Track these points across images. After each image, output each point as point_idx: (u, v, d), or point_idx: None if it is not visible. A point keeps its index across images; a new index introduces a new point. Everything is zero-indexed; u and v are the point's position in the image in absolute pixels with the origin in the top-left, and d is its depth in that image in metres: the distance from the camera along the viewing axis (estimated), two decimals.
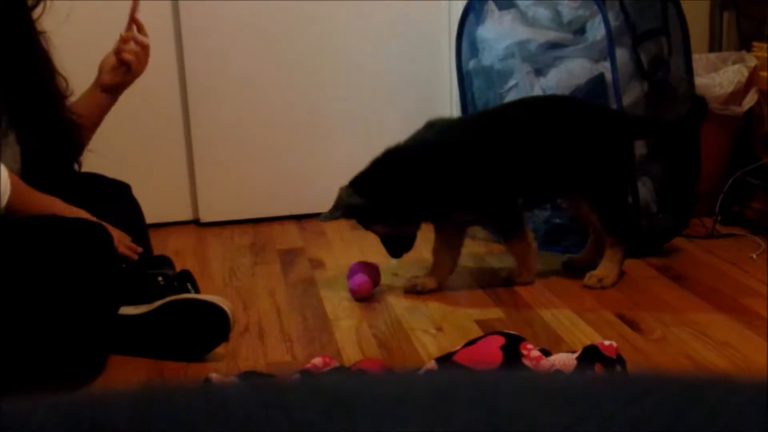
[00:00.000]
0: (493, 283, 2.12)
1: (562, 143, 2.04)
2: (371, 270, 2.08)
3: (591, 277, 2.06)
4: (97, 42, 2.44)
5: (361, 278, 2.05)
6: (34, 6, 1.75)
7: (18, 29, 1.71)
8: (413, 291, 2.06)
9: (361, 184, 2.02)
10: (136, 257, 1.81)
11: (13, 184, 1.60)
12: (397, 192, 2.01)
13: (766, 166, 2.45)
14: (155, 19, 1.99)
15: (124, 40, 1.96)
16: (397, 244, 2.09)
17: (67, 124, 1.83)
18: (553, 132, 2.04)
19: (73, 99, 1.90)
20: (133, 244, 1.85)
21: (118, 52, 1.95)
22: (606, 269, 2.07)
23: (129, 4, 1.96)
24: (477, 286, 2.10)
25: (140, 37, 1.96)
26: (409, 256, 2.19)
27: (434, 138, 2.05)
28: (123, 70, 1.95)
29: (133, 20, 1.97)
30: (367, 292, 2.04)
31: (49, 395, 0.29)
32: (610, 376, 0.49)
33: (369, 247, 2.45)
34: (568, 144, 2.04)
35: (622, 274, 2.09)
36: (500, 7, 2.42)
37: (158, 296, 1.76)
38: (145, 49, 1.96)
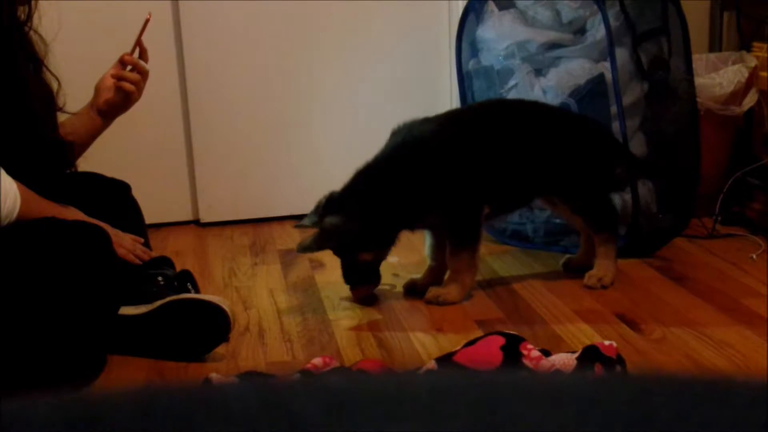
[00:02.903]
0: (492, 283, 2.12)
1: (532, 146, 2.02)
2: None
3: (590, 278, 2.06)
4: (97, 42, 2.45)
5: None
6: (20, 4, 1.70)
7: None
8: (435, 302, 2.00)
9: (348, 207, 1.94)
10: (140, 263, 1.81)
11: (21, 194, 1.59)
12: (384, 208, 1.95)
13: (766, 166, 2.45)
14: (155, 18, 1.98)
15: (124, 63, 1.90)
16: (363, 274, 2.01)
17: (53, 141, 1.76)
18: (522, 135, 2.03)
19: (65, 112, 1.84)
20: (145, 248, 1.84)
21: (117, 77, 1.89)
22: (603, 267, 2.06)
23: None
24: (477, 286, 2.10)
25: (141, 64, 1.91)
26: (410, 258, 2.19)
27: (401, 142, 2.00)
28: (121, 95, 1.89)
29: (138, 43, 1.91)
30: (368, 291, 2.04)
31: (49, 395, 0.29)
32: (610, 376, 0.49)
33: None
34: (539, 146, 2.03)
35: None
36: (500, 7, 2.42)
37: (158, 296, 1.76)
38: (144, 76, 1.91)
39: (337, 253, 2.01)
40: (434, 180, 1.96)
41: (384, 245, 2.01)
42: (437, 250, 2.09)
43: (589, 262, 2.11)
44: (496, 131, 2.04)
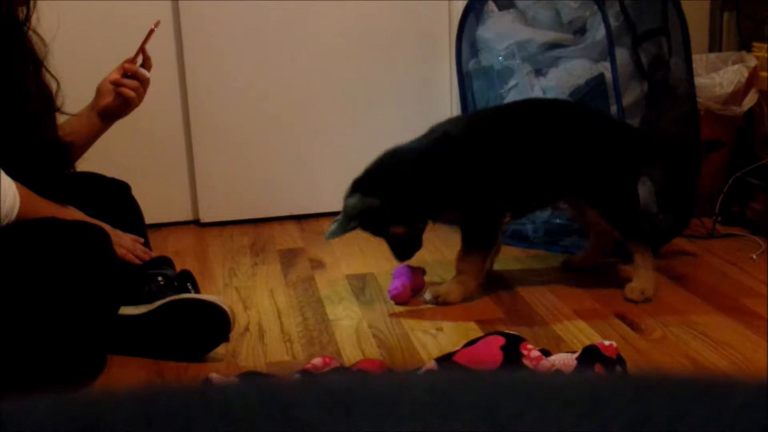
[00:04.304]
0: (492, 283, 2.12)
1: (563, 149, 1.99)
2: (414, 274, 2.04)
3: (632, 290, 1.97)
4: (96, 43, 2.45)
5: (399, 283, 2.01)
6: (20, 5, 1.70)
7: None
8: (435, 302, 1.99)
9: (368, 187, 1.94)
10: (140, 263, 1.81)
11: (20, 194, 1.59)
12: (408, 186, 1.95)
13: (766, 166, 2.45)
14: (155, 19, 1.98)
15: (125, 70, 1.90)
16: (408, 245, 2.02)
17: (51, 143, 1.76)
18: (554, 137, 2.00)
19: (65, 113, 1.83)
20: (145, 248, 1.85)
21: (115, 84, 1.88)
22: (643, 278, 1.98)
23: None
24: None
25: (142, 72, 1.90)
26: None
27: (436, 133, 2.01)
28: (120, 100, 1.89)
29: (141, 50, 1.91)
30: (405, 299, 2.01)
31: (49, 395, 0.29)
32: (610, 376, 0.49)
33: (369, 247, 2.45)
34: (569, 150, 1.99)
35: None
36: (500, 7, 2.42)
37: (158, 296, 1.76)
38: (145, 83, 1.91)
39: (368, 231, 2.00)
40: (455, 178, 1.96)
41: (413, 218, 1.98)
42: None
43: (592, 262, 2.10)
44: (524, 133, 2.00)
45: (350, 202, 1.93)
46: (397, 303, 2.00)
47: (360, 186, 1.95)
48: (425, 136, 2.03)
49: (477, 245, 2.00)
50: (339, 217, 1.94)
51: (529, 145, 1.99)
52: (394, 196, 1.93)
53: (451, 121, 2.10)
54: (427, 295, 2.00)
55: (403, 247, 2.02)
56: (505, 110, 2.16)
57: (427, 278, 2.09)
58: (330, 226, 1.95)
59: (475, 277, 2.00)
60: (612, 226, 2.00)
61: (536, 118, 2.04)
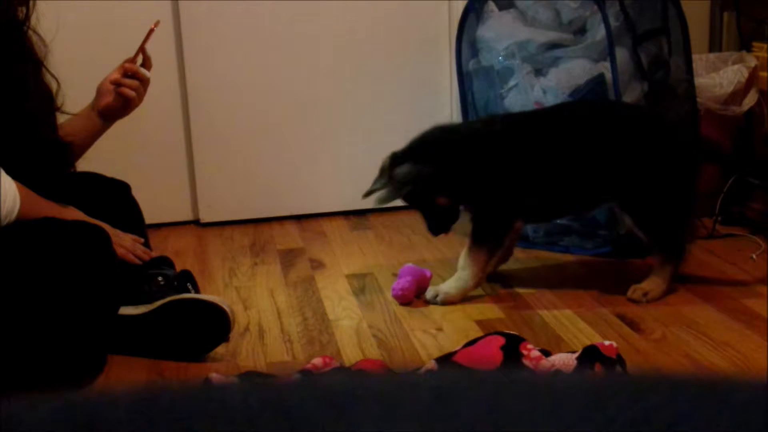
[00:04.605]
0: (492, 283, 2.12)
1: (609, 154, 1.94)
2: (420, 275, 2.04)
3: (635, 290, 1.96)
4: (96, 43, 2.45)
5: (404, 282, 2.00)
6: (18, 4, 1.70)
7: None
8: (433, 301, 1.99)
9: (418, 156, 1.97)
10: (140, 263, 1.81)
11: (20, 194, 1.59)
12: (457, 158, 1.97)
13: (766, 166, 2.45)
14: (155, 19, 1.98)
15: (125, 70, 1.89)
16: (446, 219, 2.04)
17: (51, 142, 1.76)
18: (601, 141, 1.95)
19: (65, 113, 1.83)
20: (145, 248, 1.85)
21: (115, 83, 1.88)
22: (652, 282, 1.96)
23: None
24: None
25: (143, 72, 1.90)
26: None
27: (486, 119, 2.07)
28: (120, 100, 1.89)
29: (141, 50, 1.91)
30: (409, 299, 2.00)
31: (49, 395, 0.29)
32: (610, 376, 0.49)
33: (369, 247, 2.45)
34: (615, 156, 1.93)
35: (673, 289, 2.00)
36: (500, 7, 2.42)
37: (158, 296, 1.76)
38: (145, 83, 1.90)
39: (413, 201, 2.04)
40: (488, 166, 1.97)
41: (458, 191, 2.00)
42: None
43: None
44: (568, 136, 1.97)
45: (403, 170, 1.96)
46: (400, 303, 2.00)
47: (409, 155, 1.98)
48: (476, 120, 2.10)
49: (484, 243, 2.00)
50: (381, 183, 1.98)
51: (573, 149, 1.96)
52: (443, 166, 1.98)
53: (510, 114, 2.14)
54: (428, 294, 2.00)
55: (441, 221, 2.05)
56: (556, 111, 2.13)
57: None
58: (375, 192, 1.98)
59: (475, 275, 2.00)
60: (645, 234, 1.97)
61: (585, 120, 2.00)
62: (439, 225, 2.05)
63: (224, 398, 0.29)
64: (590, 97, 2.24)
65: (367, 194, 2.01)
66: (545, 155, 1.97)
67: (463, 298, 2.00)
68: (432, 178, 1.97)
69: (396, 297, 2.00)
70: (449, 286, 2.00)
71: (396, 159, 1.99)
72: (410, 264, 2.07)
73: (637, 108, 2.17)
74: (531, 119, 2.07)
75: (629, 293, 1.97)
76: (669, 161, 1.96)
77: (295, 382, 0.30)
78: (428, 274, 2.05)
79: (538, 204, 2.01)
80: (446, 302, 1.98)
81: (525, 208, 2.02)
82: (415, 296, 2.01)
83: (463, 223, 2.06)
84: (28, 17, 1.71)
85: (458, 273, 2.01)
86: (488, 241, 2.00)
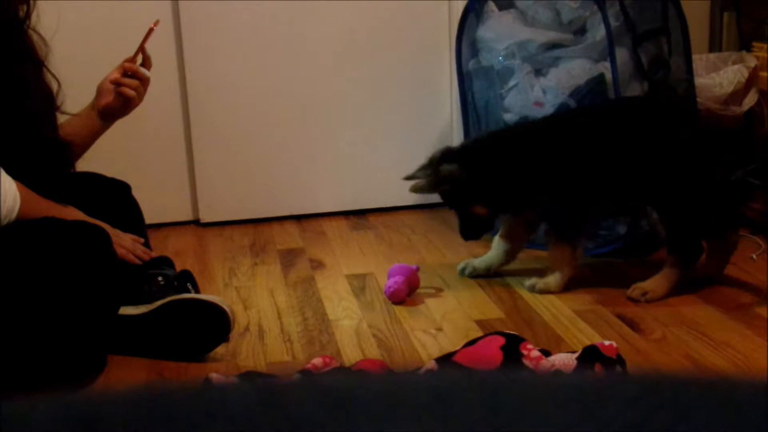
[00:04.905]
0: (492, 283, 2.12)
1: (645, 154, 1.93)
2: (410, 273, 2.04)
3: (634, 289, 1.96)
4: (97, 43, 2.44)
5: (394, 282, 2.01)
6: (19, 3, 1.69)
7: None
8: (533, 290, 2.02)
9: (469, 161, 2.00)
10: (140, 263, 1.81)
11: (20, 193, 1.59)
12: (504, 176, 1.99)
13: (766, 165, 2.44)
14: (155, 19, 1.98)
15: (125, 70, 1.90)
16: (479, 228, 2.08)
17: (52, 142, 1.76)
18: (640, 140, 1.94)
19: (64, 111, 1.83)
20: (145, 248, 1.85)
21: (115, 83, 1.88)
22: (655, 282, 1.96)
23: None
24: (477, 286, 2.10)
25: (142, 71, 1.90)
26: (410, 259, 2.19)
27: (541, 126, 2.06)
28: (120, 100, 1.89)
29: (141, 49, 1.91)
30: (401, 297, 2.00)
31: (49, 395, 0.29)
32: (610, 376, 0.49)
33: (369, 247, 2.45)
34: (651, 156, 1.92)
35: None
36: (500, 7, 2.42)
37: (158, 296, 1.76)
38: (145, 82, 1.91)
39: (449, 202, 2.08)
40: (541, 171, 1.98)
41: (497, 206, 2.03)
42: (509, 238, 2.11)
43: (715, 273, 2.02)
44: (609, 134, 1.97)
45: (448, 169, 2.00)
46: (394, 302, 2.00)
47: (460, 156, 2.02)
48: (534, 122, 2.11)
49: (566, 235, 2.02)
50: (425, 173, 2.01)
51: (612, 147, 1.95)
52: (488, 180, 2.00)
53: (567, 111, 2.17)
54: (527, 283, 2.04)
55: (474, 228, 2.09)
56: (599, 109, 2.14)
57: (426, 280, 2.10)
58: (415, 179, 2.02)
59: (566, 274, 2.01)
60: (665, 232, 1.96)
61: (625, 119, 2.00)
62: (470, 231, 2.10)
63: (224, 398, 0.29)
64: (590, 97, 2.24)
65: (408, 178, 2.05)
66: (596, 153, 1.96)
67: (561, 291, 2.02)
68: (473, 185, 2.00)
69: (388, 296, 2.01)
70: (548, 278, 2.03)
71: (446, 155, 2.03)
72: (398, 263, 2.09)
73: (676, 106, 2.19)
74: (576, 117, 2.11)
75: (629, 291, 1.97)
76: (705, 163, 1.94)
77: (295, 382, 0.30)
78: (415, 268, 2.06)
79: (592, 197, 2.02)
80: (544, 292, 2.02)
81: (591, 202, 2.02)
82: (407, 294, 2.01)
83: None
84: (28, 15, 1.71)
85: (552, 268, 2.04)
86: (569, 232, 2.03)
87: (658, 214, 1.97)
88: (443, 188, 2.02)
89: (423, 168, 2.04)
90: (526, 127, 2.11)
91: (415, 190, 2.03)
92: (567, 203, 2.01)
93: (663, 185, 1.93)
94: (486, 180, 2.00)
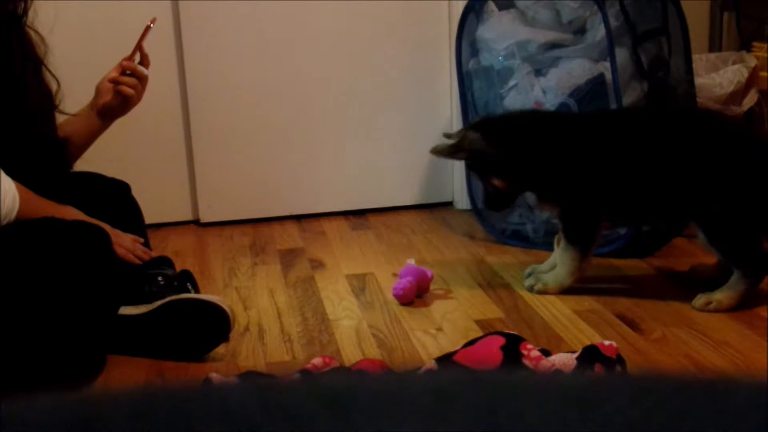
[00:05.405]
0: (492, 283, 2.12)
1: (684, 162, 1.87)
2: (422, 276, 2.03)
3: (699, 299, 1.90)
4: (96, 42, 2.44)
5: (405, 282, 2.00)
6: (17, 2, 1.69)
7: None
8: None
9: (493, 133, 2.00)
10: (140, 263, 1.81)
11: (20, 193, 1.60)
12: (525, 154, 1.98)
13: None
14: (153, 17, 1.98)
15: (123, 68, 1.90)
16: (500, 201, 2.08)
17: (51, 142, 1.76)
18: (679, 148, 1.89)
19: (63, 111, 1.84)
20: (145, 248, 1.85)
21: (114, 82, 1.89)
22: (724, 294, 1.89)
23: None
24: (477, 286, 2.10)
25: (141, 69, 1.91)
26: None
27: (574, 116, 2.08)
28: (119, 99, 1.90)
29: (139, 47, 1.91)
30: (410, 298, 2.00)
31: (49, 395, 0.29)
32: (610, 376, 0.49)
33: (369, 247, 2.45)
34: (691, 165, 1.86)
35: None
36: (500, 7, 2.42)
37: (158, 296, 1.76)
38: (143, 80, 1.91)
39: (471, 168, 2.12)
40: (569, 163, 1.97)
41: (515, 181, 2.03)
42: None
43: (718, 275, 1.96)
44: (646, 139, 1.93)
45: (471, 136, 2.00)
46: (401, 303, 2.00)
47: (486, 128, 2.02)
48: (561, 112, 2.14)
49: (576, 242, 2.01)
50: (454, 142, 2.01)
51: (648, 152, 1.91)
52: (509, 155, 1.99)
53: (598, 110, 2.17)
54: (527, 282, 2.04)
55: (495, 201, 2.09)
56: (641, 113, 2.12)
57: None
58: (441, 143, 2.02)
59: (571, 273, 2.01)
60: (718, 251, 1.91)
61: (666, 125, 1.95)
62: (491, 202, 2.11)
63: (224, 398, 0.29)
64: (590, 97, 2.24)
65: (447, 136, 2.08)
66: (628, 156, 1.92)
67: (561, 292, 2.01)
68: (491, 158, 1.99)
69: (397, 297, 2.00)
70: (547, 278, 2.03)
71: (479, 124, 2.04)
72: (412, 264, 2.07)
73: (721, 116, 2.15)
74: (617, 118, 2.09)
75: (694, 301, 1.90)
76: (751, 175, 1.87)
77: (295, 382, 0.30)
78: (429, 274, 2.05)
79: (619, 204, 2.00)
80: (542, 292, 2.01)
81: (609, 208, 2.02)
82: (415, 296, 2.01)
83: (460, 222, 2.06)
84: (26, 12, 1.71)
85: (557, 268, 2.04)
86: (579, 240, 2.01)
87: (704, 234, 1.88)
88: (459, 155, 2.03)
89: (456, 133, 2.07)
90: (566, 117, 2.11)
91: (434, 151, 2.02)
92: (585, 208, 1.99)
93: (710, 198, 1.85)
94: (505, 156, 1.99)
